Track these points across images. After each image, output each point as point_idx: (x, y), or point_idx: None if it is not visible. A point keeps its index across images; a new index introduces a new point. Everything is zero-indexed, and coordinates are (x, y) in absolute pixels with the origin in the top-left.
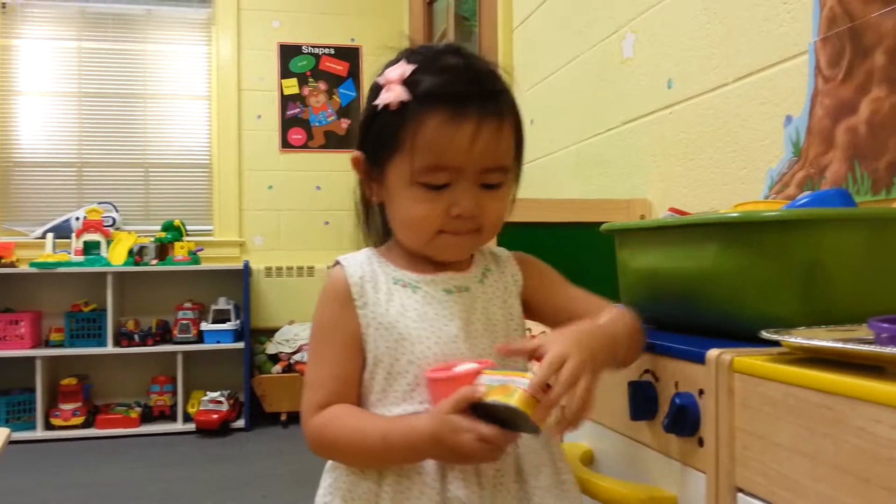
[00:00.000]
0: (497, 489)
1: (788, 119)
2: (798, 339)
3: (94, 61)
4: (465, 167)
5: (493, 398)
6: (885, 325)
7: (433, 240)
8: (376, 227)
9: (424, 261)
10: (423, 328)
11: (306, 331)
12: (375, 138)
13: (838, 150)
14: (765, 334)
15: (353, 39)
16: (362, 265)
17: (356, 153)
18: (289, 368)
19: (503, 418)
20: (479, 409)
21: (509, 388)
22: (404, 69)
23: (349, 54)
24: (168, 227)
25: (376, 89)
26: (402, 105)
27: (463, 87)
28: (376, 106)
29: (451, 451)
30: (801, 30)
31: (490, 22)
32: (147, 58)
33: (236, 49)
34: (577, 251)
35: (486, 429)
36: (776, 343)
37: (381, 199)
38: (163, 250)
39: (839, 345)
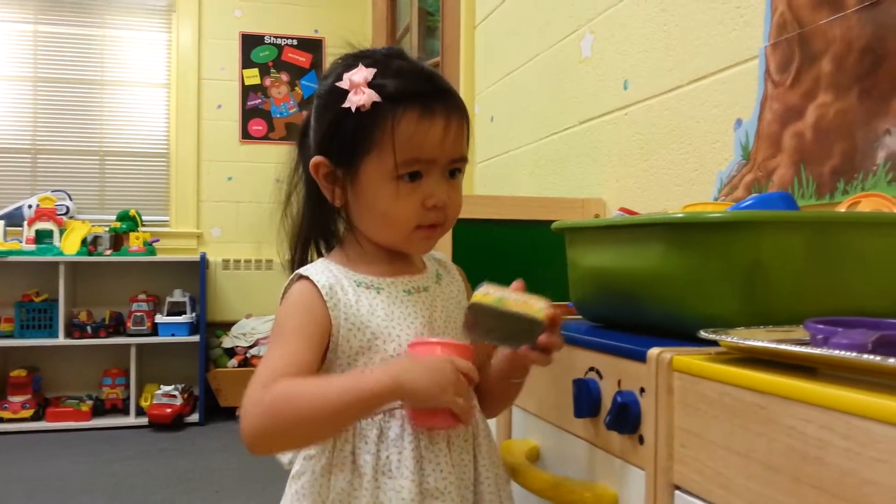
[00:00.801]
0: (471, 480)
1: (739, 122)
2: (734, 338)
3: (51, 45)
4: (438, 159)
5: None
6: (820, 326)
7: (410, 235)
8: (323, 231)
9: (382, 265)
10: (392, 326)
11: (264, 324)
12: (345, 140)
13: (785, 154)
14: (703, 334)
15: (316, 31)
16: (324, 272)
17: (317, 158)
18: (245, 362)
19: (501, 330)
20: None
21: (529, 302)
22: (366, 73)
23: (312, 46)
24: (123, 216)
25: (339, 93)
26: (374, 106)
27: (427, 86)
28: (344, 109)
29: (427, 378)
30: (753, 34)
31: (453, 18)
32: (105, 43)
33: (197, 37)
34: (531, 249)
35: (462, 362)
36: (716, 343)
37: (345, 201)
38: (117, 241)
39: (773, 345)
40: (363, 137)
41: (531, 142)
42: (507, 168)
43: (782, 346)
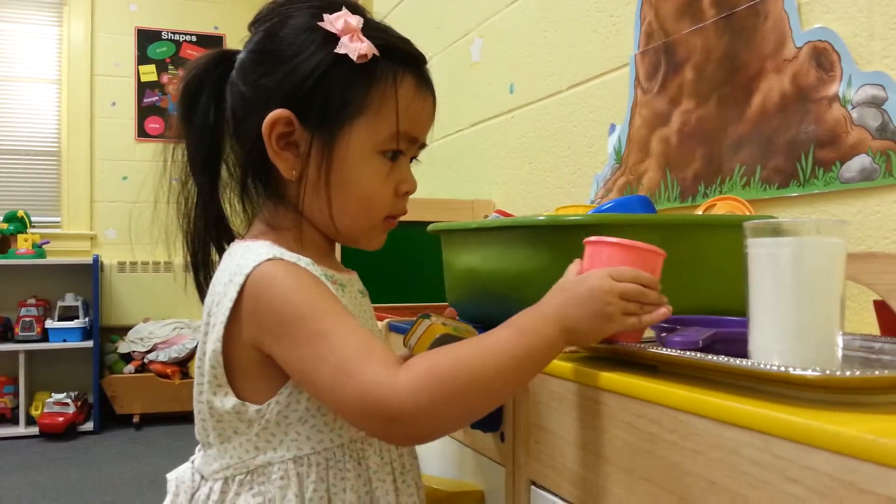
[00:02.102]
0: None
1: (612, 127)
2: None
3: None
4: (419, 138)
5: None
6: (665, 324)
7: (377, 226)
8: (222, 220)
9: (328, 260)
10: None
11: (162, 328)
12: (328, 96)
13: (653, 158)
14: None
15: (216, 27)
16: (300, 258)
17: (280, 112)
18: (142, 368)
19: None
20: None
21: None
22: (357, 19)
23: (212, 43)
24: (10, 217)
25: (320, 36)
26: (372, 60)
27: (418, 51)
28: (331, 56)
29: (595, 312)
30: (625, 42)
31: None
32: None
33: (89, 31)
34: (420, 251)
35: (627, 284)
36: None
37: (302, 174)
38: (4, 242)
39: (615, 343)
40: (355, 96)
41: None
42: None
43: (622, 345)
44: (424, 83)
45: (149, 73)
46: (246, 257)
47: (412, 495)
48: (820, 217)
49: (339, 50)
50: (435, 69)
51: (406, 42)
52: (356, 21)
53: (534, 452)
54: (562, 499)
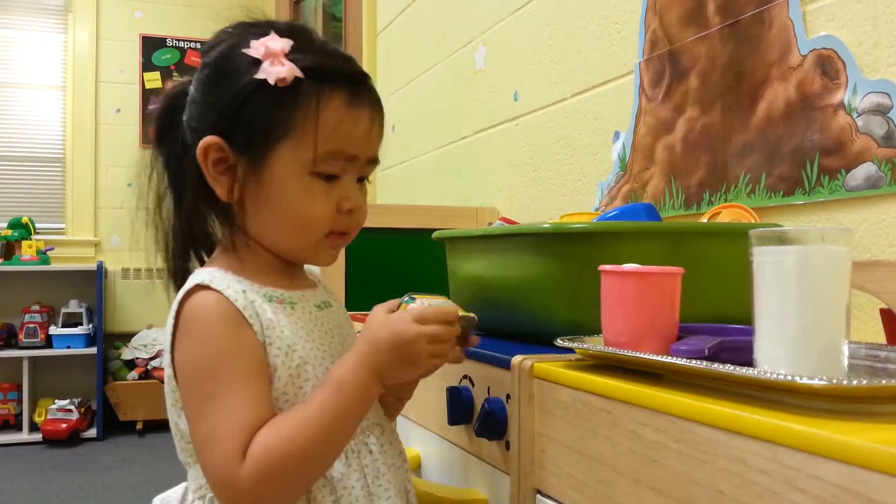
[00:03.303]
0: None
1: (617, 135)
2: (587, 345)
3: None
4: (359, 156)
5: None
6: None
7: (320, 243)
8: (204, 236)
9: (280, 277)
10: (316, 348)
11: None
12: (252, 121)
13: (658, 166)
14: (559, 342)
15: None
16: (232, 284)
17: (210, 139)
18: (146, 375)
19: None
20: None
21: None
22: (283, 42)
23: None
24: (15, 224)
25: (244, 63)
26: (295, 82)
27: (352, 68)
28: (254, 82)
29: (402, 357)
30: (629, 50)
31: (355, 25)
32: None
33: (94, 39)
34: (425, 257)
35: (432, 328)
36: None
37: (238, 196)
38: (9, 249)
39: (620, 352)
40: (279, 119)
41: (430, 150)
42: (408, 176)
43: (626, 353)
44: (357, 100)
45: (153, 80)
46: (186, 283)
47: (390, 499)
48: (825, 225)
49: (259, 75)
50: (439, 76)
51: (341, 61)
52: (281, 45)
53: (539, 461)
54: None
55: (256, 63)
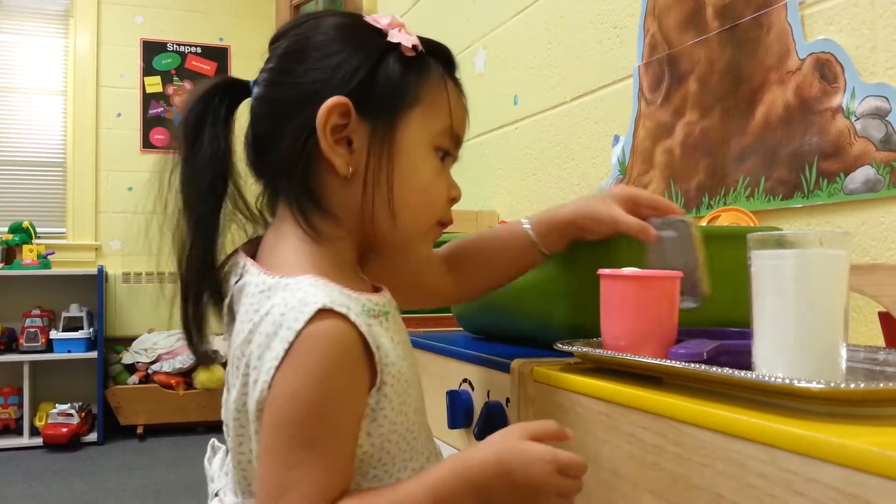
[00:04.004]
0: None
1: (616, 139)
2: (586, 349)
3: None
4: (461, 141)
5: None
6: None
7: (432, 229)
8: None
9: (356, 278)
10: (409, 365)
11: (166, 339)
12: (386, 84)
13: (657, 169)
14: (558, 345)
15: (221, 39)
16: (345, 300)
17: (337, 98)
18: (146, 379)
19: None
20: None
21: None
22: (395, 19)
23: (217, 54)
24: (16, 228)
25: (367, 30)
26: (419, 55)
27: (455, 58)
28: (385, 46)
29: (518, 487)
30: (629, 54)
31: None
32: None
33: (95, 43)
34: None
35: (565, 455)
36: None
37: (356, 170)
38: (9, 253)
39: (618, 355)
40: (411, 85)
41: None
42: None
43: (625, 356)
44: (459, 85)
45: (154, 84)
46: (289, 303)
47: None
48: (824, 229)
49: (392, 39)
50: None
51: (446, 47)
52: (395, 20)
53: None
54: None
55: (377, 33)
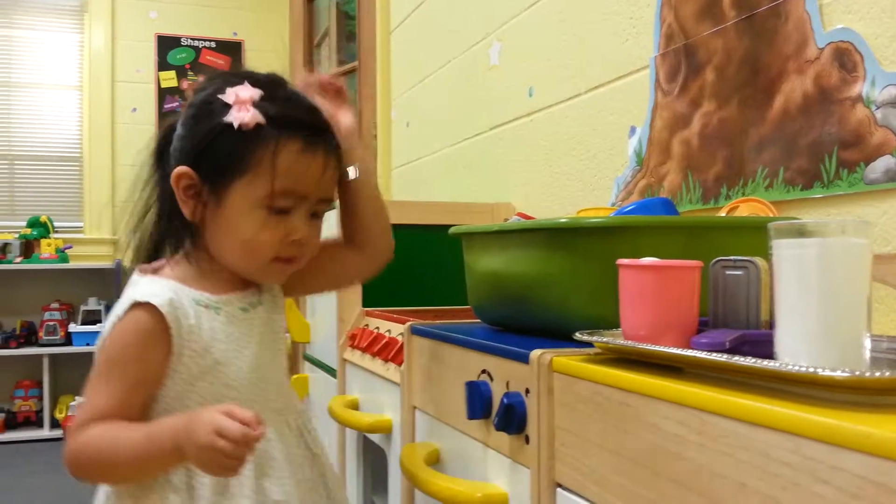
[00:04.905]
0: (310, 487)
1: (633, 130)
2: (606, 339)
3: None
4: (309, 195)
5: None
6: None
7: (266, 265)
8: (175, 244)
9: (219, 281)
10: (232, 350)
11: None
12: (218, 157)
13: (674, 160)
14: (578, 336)
15: (235, 34)
16: (164, 293)
17: (182, 169)
18: None
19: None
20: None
21: None
22: (252, 91)
23: (231, 49)
24: (34, 223)
25: (219, 106)
26: (257, 128)
27: (313, 118)
28: (223, 124)
29: (200, 448)
30: (645, 44)
31: (369, 23)
32: (14, 44)
33: (110, 38)
34: (439, 254)
35: (226, 422)
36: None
37: (202, 217)
38: (28, 248)
39: (639, 345)
40: (239, 158)
41: (445, 147)
42: (423, 173)
43: (646, 346)
44: (312, 148)
45: (169, 79)
46: (127, 294)
47: (281, 483)
48: (844, 219)
49: (226, 118)
50: (453, 73)
51: (304, 112)
52: (251, 93)
53: (559, 455)
54: (588, 501)
55: (228, 107)
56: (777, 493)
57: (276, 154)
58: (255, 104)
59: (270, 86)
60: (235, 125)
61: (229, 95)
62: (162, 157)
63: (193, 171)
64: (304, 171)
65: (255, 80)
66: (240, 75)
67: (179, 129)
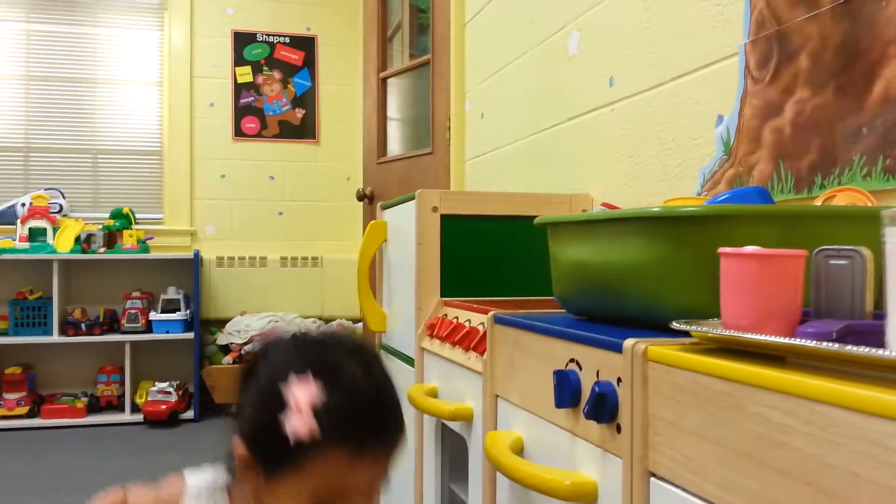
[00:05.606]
0: None
1: (720, 119)
2: (705, 328)
3: (43, 44)
4: (353, 497)
5: None
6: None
7: None
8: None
9: None
10: None
11: (258, 321)
12: (270, 450)
13: (765, 149)
14: (675, 325)
15: (308, 28)
16: (205, 485)
17: (242, 449)
18: (240, 359)
19: None
20: None
21: None
22: (312, 392)
23: (305, 43)
24: (117, 214)
25: (280, 402)
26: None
27: (370, 426)
28: (276, 423)
29: None
30: (733, 31)
31: (443, 15)
32: (97, 42)
33: (189, 35)
34: (518, 244)
35: None
36: (689, 334)
37: (255, 486)
38: (111, 238)
39: (741, 335)
40: (291, 459)
41: (521, 138)
42: (498, 164)
43: (750, 336)
44: (357, 454)
45: (245, 74)
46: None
47: None
48: None
49: (283, 425)
50: (530, 63)
51: (359, 409)
52: (310, 396)
53: (653, 444)
54: (685, 490)
55: (286, 404)
56: (892, 482)
57: (325, 465)
58: (314, 409)
59: (336, 373)
60: (291, 439)
61: (291, 391)
62: (247, 384)
63: (250, 447)
64: (350, 481)
65: (319, 365)
66: (305, 355)
67: (246, 395)
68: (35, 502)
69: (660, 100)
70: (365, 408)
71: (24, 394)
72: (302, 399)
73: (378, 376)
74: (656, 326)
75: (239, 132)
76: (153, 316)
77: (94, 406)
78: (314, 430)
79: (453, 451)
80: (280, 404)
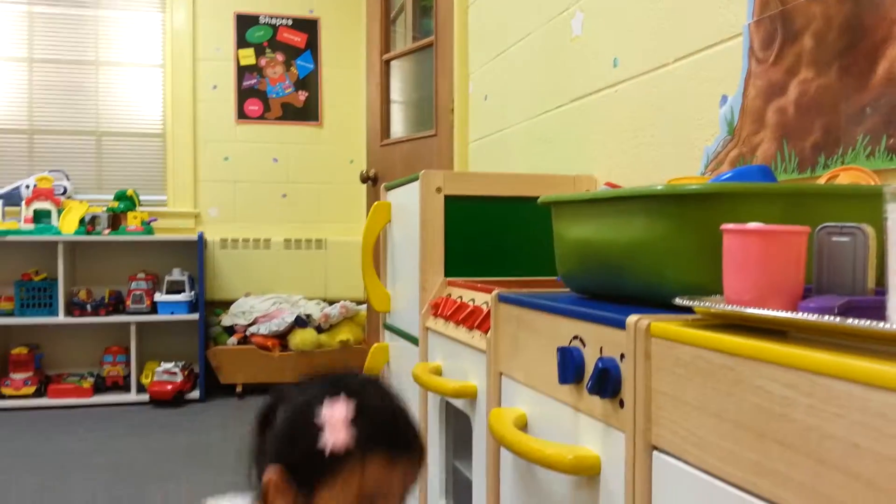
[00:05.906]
0: None
1: (724, 99)
2: (707, 304)
3: (46, 26)
4: (391, 499)
5: None
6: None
7: None
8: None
9: None
10: None
11: (262, 303)
12: (309, 471)
13: (768, 129)
14: (679, 301)
15: (311, 11)
16: None
17: (275, 469)
18: (244, 340)
19: None
20: None
21: None
22: (347, 408)
23: (307, 26)
24: (121, 196)
25: (315, 422)
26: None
27: (400, 434)
28: (314, 446)
29: None
30: (738, 11)
31: None
32: (100, 24)
33: (191, 17)
34: (522, 224)
35: None
36: (692, 310)
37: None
38: (115, 220)
39: (744, 309)
40: (330, 474)
41: (524, 120)
42: (501, 146)
43: (752, 311)
44: (392, 462)
45: (247, 56)
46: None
47: None
48: None
49: (319, 442)
50: (533, 45)
51: (389, 424)
52: (343, 413)
53: (655, 418)
54: (687, 463)
55: (321, 429)
56: (893, 452)
57: (364, 471)
58: (349, 421)
59: (364, 395)
60: (327, 452)
61: (324, 417)
62: (264, 431)
63: (286, 470)
64: (387, 487)
65: (349, 389)
66: (338, 384)
67: (277, 427)
68: (41, 481)
69: (663, 81)
70: (393, 418)
71: (30, 374)
72: (337, 414)
73: (395, 398)
74: (659, 304)
75: (242, 114)
76: (158, 297)
77: (101, 386)
78: (352, 440)
79: (458, 429)
80: (315, 424)
